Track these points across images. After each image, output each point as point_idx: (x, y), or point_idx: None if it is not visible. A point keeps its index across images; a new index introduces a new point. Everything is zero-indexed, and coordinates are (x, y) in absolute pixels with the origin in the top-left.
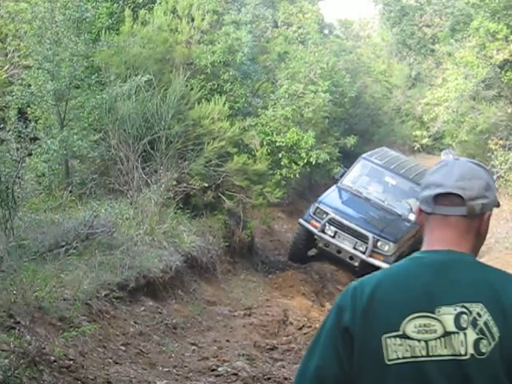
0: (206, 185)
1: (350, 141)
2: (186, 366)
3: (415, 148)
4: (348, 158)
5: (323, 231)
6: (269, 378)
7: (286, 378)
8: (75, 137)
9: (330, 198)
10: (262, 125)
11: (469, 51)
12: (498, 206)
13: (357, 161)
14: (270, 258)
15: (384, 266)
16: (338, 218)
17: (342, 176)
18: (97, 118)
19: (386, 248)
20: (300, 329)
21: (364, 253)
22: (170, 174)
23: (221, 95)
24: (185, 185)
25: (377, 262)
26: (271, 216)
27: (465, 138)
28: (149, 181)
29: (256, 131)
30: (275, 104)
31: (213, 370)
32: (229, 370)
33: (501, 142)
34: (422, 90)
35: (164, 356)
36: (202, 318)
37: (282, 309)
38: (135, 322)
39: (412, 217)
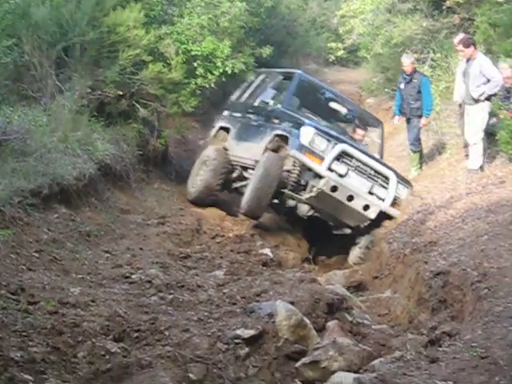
0: (121, 93)
1: (266, 51)
2: (99, 274)
3: (330, 60)
4: (263, 68)
5: (330, 169)
6: (182, 286)
7: (199, 286)
8: None
9: (309, 120)
10: (178, 33)
11: None
12: None
13: (293, 78)
14: (184, 168)
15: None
16: (351, 149)
17: (268, 96)
18: (10, 23)
19: (405, 194)
20: (213, 238)
21: (383, 200)
22: (85, 81)
23: (136, 2)
24: (99, 92)
25: (396, 213)
26: (186, 126)
27: (380, 50)
28: (63, 88)
29: (171, 40)
30: (191, 12)
31: (126, 278)
32: (142, 277)
33: (415, 55)
34: (337, 3)
35: (77, 263)
36: (115, 226)
37: (195, 218)
38: (48, 229)
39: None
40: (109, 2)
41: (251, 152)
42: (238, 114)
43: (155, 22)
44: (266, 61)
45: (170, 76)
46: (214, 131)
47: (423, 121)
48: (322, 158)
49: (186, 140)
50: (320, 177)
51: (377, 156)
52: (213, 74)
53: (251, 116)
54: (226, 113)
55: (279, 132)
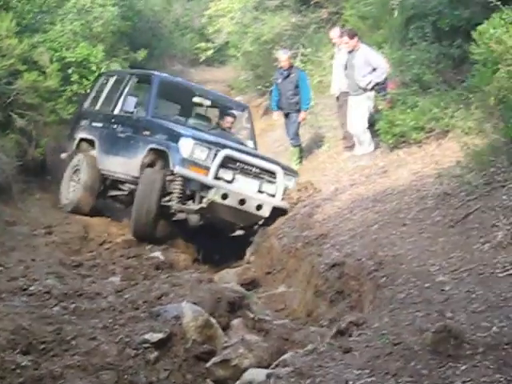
0: None
1: (141, 54)
2: None
3: (200, 61)
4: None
5: (217, 177)
6: (81, 294)
7: (97, 293)
8: None
9: (184, 129)
10: (51, 41)
11: None
12: None
13: (152, 81)
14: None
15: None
16: (234, 154)
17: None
18: None
19: (292, 184)
20: (101, 244)
21: (274, 195)
22: None
23: (7, 11)
24: None
25: (287, 206)
26: (62, 133)
27: (249, 48)
28: None
29: (45, 47)
30: (63, 19)
31: (24, 290)
32: (40, 288)
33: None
34: (200, 3)
35: None
36: (3, 239)
37: (81, 225)
38: None
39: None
40: None
41: (126, 167)
42: (100, 124)
43: (27, 30)
44: (141, 64)
45: (46, 84)
46: (75, 143)
47: (302, 115)
48: (206, 168)
49: (62, 147)
50: (208, 187)
51: (250, 144)
52: (88, 79)
53: (116, 127)
54: (84, 122)
55: (155, 146)
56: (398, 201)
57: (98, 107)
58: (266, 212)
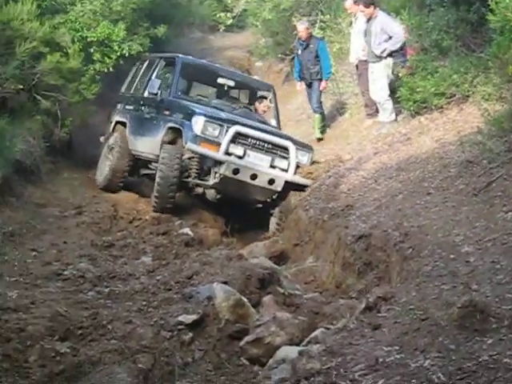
0: (22, 87)
1: (160, 30)
2: (31, 273)
3: (220, 30)
4: (160, 47)
5: (228, 153)
6: (114, 277)
7: (130, 274)
8: None
9: (198, 108)
10: (72, 21)
11: None
12: None
13: (176, 63)
14: (88, 154)
15: (307, 183)
16: (244, 129)
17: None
18: None
19: (306, 160)
20: (131, 222)
21: (287, 170)
22: None
23: None
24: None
25: (302, 180)
26: (88, 111)
27: (268, 16)
28: None
29: (66, 28)
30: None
31: (59, 275)
32: (74, 272)
33: (304, 18)
34: None
35: (8, 265)
36: (35, 222)
37: (110, 204)
38: None
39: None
40: None
41: (149, 146)
42: (131, 107)
43: (48, 12)
44: (162, 39)
45: (68, 65)
46: (111, 126)
47: (323, 84)
48: (218, 144)
49: (87, 125)
50: (221, 162)
51: (273, 123)
52: (110, 57)
53: (143, 108)
54: (119, 106)
55: (172, 125)
56: (422, 169)
57: (131, 91)
58: (278, 186)
